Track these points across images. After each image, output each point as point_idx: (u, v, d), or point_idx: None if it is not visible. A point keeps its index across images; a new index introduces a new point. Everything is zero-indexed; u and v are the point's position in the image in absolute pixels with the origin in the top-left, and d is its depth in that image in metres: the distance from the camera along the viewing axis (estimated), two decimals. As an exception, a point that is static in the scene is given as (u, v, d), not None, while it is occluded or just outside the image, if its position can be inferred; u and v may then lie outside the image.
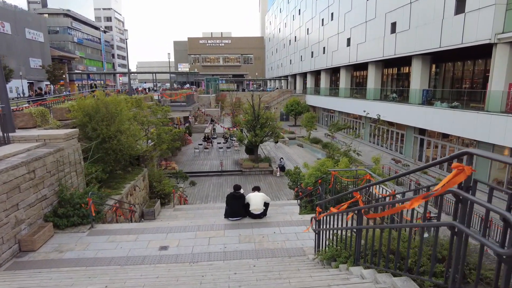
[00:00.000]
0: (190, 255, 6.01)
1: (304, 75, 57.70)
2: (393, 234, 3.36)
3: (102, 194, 8.43)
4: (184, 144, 28.33)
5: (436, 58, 27.23)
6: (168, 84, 53.28)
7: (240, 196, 7.62)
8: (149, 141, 12.47)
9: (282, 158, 22.11)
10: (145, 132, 12.18)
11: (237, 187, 7.92)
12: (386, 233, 3.30)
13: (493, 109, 19.31)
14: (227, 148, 25.42)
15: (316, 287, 2.95)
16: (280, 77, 73.83)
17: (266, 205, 7.70)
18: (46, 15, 58.24)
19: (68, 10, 60.21)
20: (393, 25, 28.54)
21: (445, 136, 23.62)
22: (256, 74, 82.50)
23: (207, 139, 28.09)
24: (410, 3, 25.98)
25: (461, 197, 2.20)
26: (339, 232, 4.41)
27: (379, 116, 25.04)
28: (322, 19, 45.19)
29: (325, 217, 4.90)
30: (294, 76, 64.07)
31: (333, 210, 4.34)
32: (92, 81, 52.44)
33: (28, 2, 62.64)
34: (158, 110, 12.16)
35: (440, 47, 22.88)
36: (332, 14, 41.73)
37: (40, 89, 20.24)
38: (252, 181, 19.54)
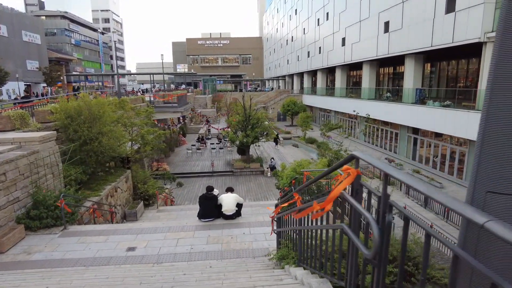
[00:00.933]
0: (156, 256, 6.05)
1: (301, 75, 57.73)
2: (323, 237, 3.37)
3: (79, 196, 8.47)
4: (178, 145, 28.40)
5: (430, 57, 27.20)
6: (159, 85, 53.32)
7: (212, 197, 7.65)
8: (133, 142, 12.51)
9: (273, 158, 22.14)
10: (129, 134, 12.23)
11: (209, 188, 7.95)
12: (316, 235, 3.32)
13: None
14: (220, 148, 25.47)
15: (244, 287, 2.97)
16: (278, 77, 73.87)
17: (239, 206, 7.73)
18: (44, 17, 58.41)
19: (66, 12, 60.37)
20: (386, 24, 28.53)
21: (438, 135, 23.59)
22: (253, 74, 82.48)
23: (201, 139, 28.14)
24: (403, 2, 25.97)
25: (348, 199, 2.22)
26: (291, 232, 4.43)
27: (368, 115, 25.07)
28: (318, 19, 45.21)
29: (282, 218, 4.92)
30: (291, 76, 64.09)
31: (277, 210, 4.36)
32: (76, 83, 52.50)
33: (26, 5, 62.84)
34: (141, 111, 12.19)
35: (431, 46, 22.88)
36: (327, 14, 41.75)
37: (27, 91, 20.32)
38: (243, 182, 19.59)
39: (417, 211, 15.64)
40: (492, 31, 18.49)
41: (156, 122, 22.09)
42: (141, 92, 34.07)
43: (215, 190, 8.04)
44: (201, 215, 7.59)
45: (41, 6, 62.75)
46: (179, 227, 7.30)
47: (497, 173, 1.14)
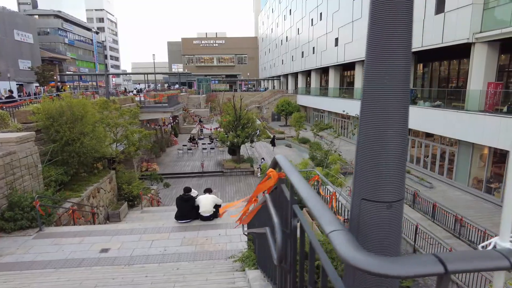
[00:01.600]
0: (128, 258, 6.00)
1: (295, 75, 57.76)
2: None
3: (56, 197, 8.40)
4: (169, 145, 28.31)
5: (423, 57, 27.30)
6: (153, 85, 53.07)
7: (188, 199, 7.61)
8: (118, 143, 12.44)
9: (263, 158, 22.13)
10: (113, 134, 12.16)
11: (186, 190, 7.91)
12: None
13: (472, 108, 19.37)
14: (211, 149, 25.42)
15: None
16: (273, 77, 73.88)
17: (216, 207, 7.69)
18: (37, 16, 58.01)
19: (59, 11, 59.96)
20: (378, 24, 28.54)
21: (429, 135, 23.68)
22: (248, 74, 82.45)
23: (192, 140, 28.06)
24: (394, 2, 25.99)
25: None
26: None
27: (357, 115, 24.99)
28: (312, 19, 45.24)
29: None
30: (286, 76, 64.13)
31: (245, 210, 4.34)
32: (60, 83, 52.11)
33: (18, 4, 62.38)
34: (125, 111, 12.12)
35: (422, 47, 22.97)
36: (321, 14, 41.79)
37: (11, 91, 20.17)
38: (233, 182, 19.56)
39: (404, 211, 15.66)
40: (481, 32, 18.59)
41: (145, 122, 22.00)
42: (134, 91, 33.84)
43: (193, 191, 8.00)
44: (178, 217, 7.55)
45: (34, 5, 62.32)
46: (155, 228, 7.26)
47: (370, 181, 1.12)
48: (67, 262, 5.94)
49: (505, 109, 17.66)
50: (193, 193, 7.93)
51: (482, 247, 0.85)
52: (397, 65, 1.08)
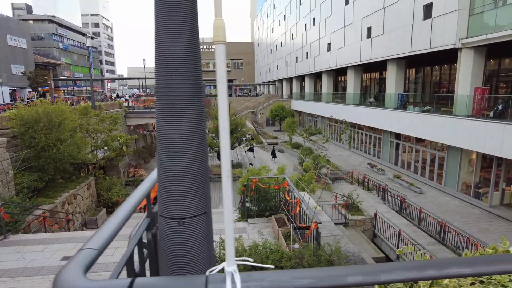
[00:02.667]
0: (89, 267, 5.86)
1: (290, 80, 57.94)
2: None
3: (25, 204, 8.26)
4: (160, 150, 28.13)
5: (414, 62, 27.39)
6: (145, 91, 52.95)
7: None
8: (99, 149, 12.31)
9: (251, 163, 22.02)
10: (93, 140, 12.04)
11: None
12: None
13: (460, 113, 19.40)
14: (200, 154, 25.14)
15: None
16: (269, 82, 74.09)
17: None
18: (31, 21, 58.09)
19: (53, 16, 60.07)
20: (369, 30, 28.73)
21: (420, 140, 23.67)
22: (243, 79, 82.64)
23: (182, 145, 27.76)
24: (384, 8, 26.19)
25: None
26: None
27: (345, 120, 25.24)
28: (305, 24, 45.48)
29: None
30: (281, 81, 64.32)
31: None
32: (41, 88, 52.01)
33: (13, 9, 62.48)
34: (105, 118, 12.01)
35: (411, 52, 23.05)
36: (314, 19, 42.02)
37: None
38: (219, 188, 19.13)
39: (389, 217, 15.57)
40: (467, 37, 18.67)
41: (133, 127, 21.89)
42: (127, 97, 33.60)
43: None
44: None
45: (29, 10, 62.42)
46: (125, 235, 7.11)
47: (162, 197, 1.04)
48: (25, 270, 5.79)
49: (491, 114, 17.68)
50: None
51: (210, 271, 0.77)
52: (183, 77, 0.99)
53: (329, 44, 37.33)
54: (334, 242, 5.15)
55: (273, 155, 29.03)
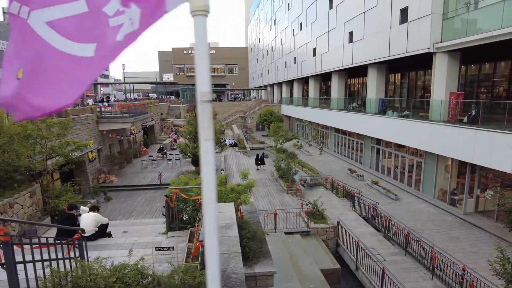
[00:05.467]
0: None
1: (280, 85, 57.72)
2: None
3: None
4: (138, 155, 27.76)
5: (395, 67, 27.12)
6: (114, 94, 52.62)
7: (69, 217, 7.08)
8: (47, 155, 11.90)
9: (222, 170, 21.60)
10: (41, 146, 11.64)
11: (70, 207, 7.39)
12: None
13: (435, 118, 19.05)
14: (176, 160, 24.83)
15: None
16: (261, 87, 73.93)
17: (102, 226, 7.15)
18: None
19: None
20: (351, 34, 28.49)
21: (401, 146, 23.26)
22: (233, 84, 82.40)
23: (161, 150, 27.53)
24: (364, 12, 25.97)
25: None
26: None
27: (320, 124, 24.87)
28: (293, 29, 45.34)
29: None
30: (272, 86, 64.14)
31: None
32: None
33: (4, 13, 62.19)
34: (54, 124, 11.63)
35: (389, 56, 22.77)
36: (301, 24, 41.86)
37: None
38: (130, 196, 18.80)
39: (356, 225, 15.13)
40: (441, 42, 18.38)
41: (105, 132, 21.49)
42: (105, 102, 33.01)
43: (83, 208, 7.47)
44: (59, 235, 7.01)
45: (20, 15, 62.05)
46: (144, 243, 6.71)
47: None
48: None
49: (465, 119, 17.31)
50: (83, 210, 7.40)
51: None
52: None
53: (314, 49, 37.12)
54: (222, 260, 4.73)
55: (261, 162, 26.61)
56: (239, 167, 26.30)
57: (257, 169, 25.91)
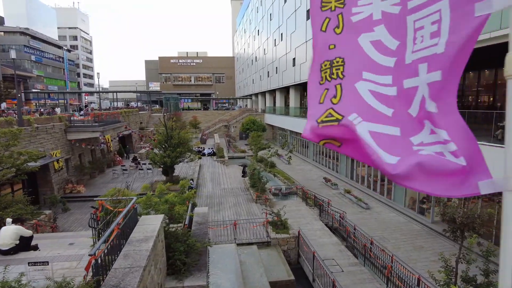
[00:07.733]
0: None
1: (264, 94, 57.97)
2: None
3: None
4: (112, 165, 27.31)
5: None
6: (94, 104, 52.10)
7: (-14, 229, 6.79)
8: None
9: (192, 180, 21.32)
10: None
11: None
12: None
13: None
14: (148, 169, 24.49)
15: None
16: (247, 96, 74.16)
17: (24, 239, 6.87)
18: (2, 33, 57.25)
19: (26, 29, 59.32)
20: (326, 45, 28.76)
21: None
22: (217, 93, 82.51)
23: (134, 160, 27.12)
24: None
25: None
26: None
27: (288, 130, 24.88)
28: (275, 40, 45.77)
29: None
30: (257, 95, 64.39)
31: None
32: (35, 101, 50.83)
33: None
34: (3, 133, 11.30)
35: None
36: (281, 34, 42.30)
37: None
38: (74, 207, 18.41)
39: (320, 235, 15.02)
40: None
41: (74, 142, 21.09)
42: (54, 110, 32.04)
43: (7, 220, 7.18)
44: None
45: (1, 22, 61.58)
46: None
47: None
48: None
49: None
50: (8, 222, 7.11)
51: None
52: None
53: (294, 59, 37.45)
54: (121, 275, 4.53)
55: (243, 173, 26.49)
56: (213, 176, 26.05)
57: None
